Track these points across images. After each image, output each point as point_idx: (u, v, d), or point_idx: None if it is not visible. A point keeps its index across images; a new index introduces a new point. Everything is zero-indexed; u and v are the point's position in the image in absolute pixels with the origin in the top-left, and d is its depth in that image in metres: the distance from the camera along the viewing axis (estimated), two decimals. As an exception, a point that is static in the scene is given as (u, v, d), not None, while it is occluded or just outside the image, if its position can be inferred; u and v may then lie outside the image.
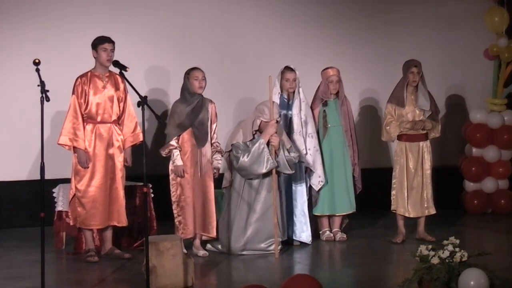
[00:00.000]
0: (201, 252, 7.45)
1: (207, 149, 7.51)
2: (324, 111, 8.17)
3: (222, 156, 7.60)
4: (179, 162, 7.40)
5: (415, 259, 5.63)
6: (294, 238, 7.95)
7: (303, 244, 7.95)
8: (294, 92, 7.95)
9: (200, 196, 7.47)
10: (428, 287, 5.42)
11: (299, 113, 7.92)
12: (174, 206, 7.48)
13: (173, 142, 7.41)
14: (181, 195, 7.45)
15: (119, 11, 9.28)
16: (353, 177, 8.26)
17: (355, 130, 8.37)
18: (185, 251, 6.57)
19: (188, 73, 7.53)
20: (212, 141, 7.55)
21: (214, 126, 7.59)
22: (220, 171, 7.76)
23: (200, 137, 7.47)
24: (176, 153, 7.40)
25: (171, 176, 7.50)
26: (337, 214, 8.23)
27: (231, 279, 6.74)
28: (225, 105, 9.37)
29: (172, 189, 7.49)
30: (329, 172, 8.14)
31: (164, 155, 7.47)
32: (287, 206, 7.87)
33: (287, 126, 7.95)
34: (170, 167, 7.49)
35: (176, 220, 7.48)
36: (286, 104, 7.98)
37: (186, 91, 7.52)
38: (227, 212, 7.65)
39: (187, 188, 7.45)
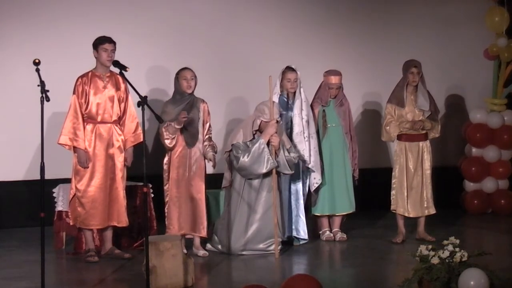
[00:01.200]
0: (201, 252, 7.45)
1: (197, 149, 7.49)
2: (324, 111, 8.17)
3: (215, 152, 7.54)
4: (177, 124, 7.28)
5: (415, 259, 5.63)
6: (294, 235, 7.94)
7: (303, 244, 7.95)
8: (295, 92, 7.94)
9: (189, 197, 7.45)
10: (428, 287, 5.42)
11: (300, 113, 7.91)
12: (166, 205, 7.51)
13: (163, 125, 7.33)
14: (170, 194, 7.46)
15: (120, 11, 9.27)
16: (353, 177, 8.26)
17: (354, 131, 8.37)
18: (185, 251, 6.57)
19: (177, 74, 7.53)
20: (205, 138, 7.52)
21: (207, 125, 7.56)
22: (220, 172, 7.75)
23: (190, 137, 7.44)
24: (170, 124, 7.29)
25: (164, 176, 7.48)
26: (337, 214, 8.23)
27: (231, 279, 6.73)
28: (225, 105, 9.37)
29: (165, 187, 7.50)
30: (329, 172, 8.14)
31: (169, 144, 7.33)
32: (287, 205, 7.87)
33: (288, 126, 7.94)
34: (164, 167, 7.47)
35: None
36: (286, 104, 7.98)
37: (177, 91, 7.53)
38: (227, 212, 7.64)
39: (174, 188, 7.44)
